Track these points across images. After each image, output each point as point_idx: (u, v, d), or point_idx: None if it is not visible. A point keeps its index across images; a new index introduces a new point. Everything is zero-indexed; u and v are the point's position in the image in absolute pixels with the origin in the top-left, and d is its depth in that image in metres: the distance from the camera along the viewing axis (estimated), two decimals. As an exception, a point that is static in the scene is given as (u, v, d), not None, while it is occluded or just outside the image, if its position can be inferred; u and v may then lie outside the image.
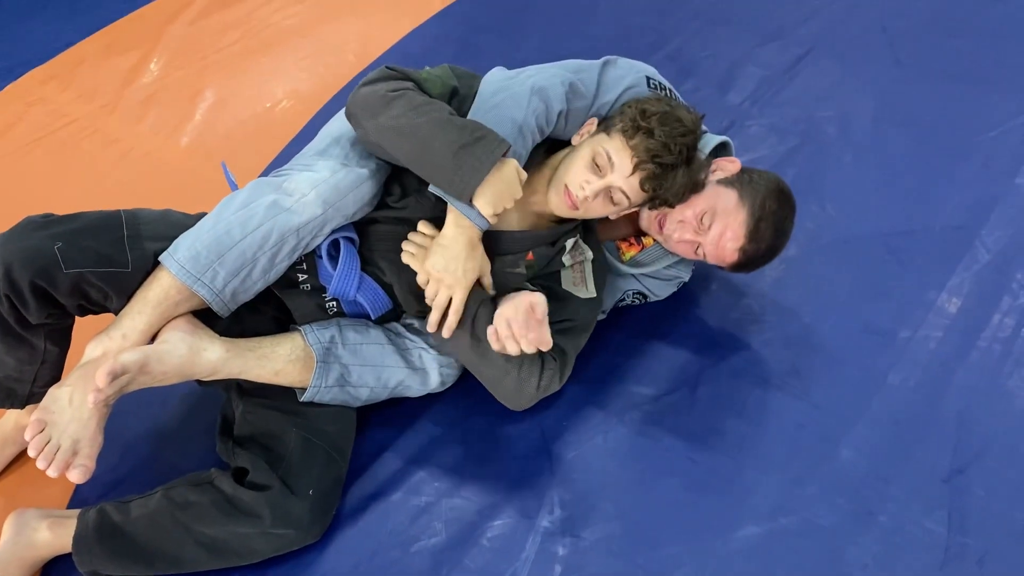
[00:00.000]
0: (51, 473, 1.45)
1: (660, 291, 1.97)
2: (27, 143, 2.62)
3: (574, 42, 2.92)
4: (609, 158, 1.62)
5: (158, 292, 1.55)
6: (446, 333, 1.63)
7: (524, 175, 1.61)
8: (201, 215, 1.67)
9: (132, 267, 1.54)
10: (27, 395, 1.66)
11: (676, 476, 1.70)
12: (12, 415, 1.73)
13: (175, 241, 1.56)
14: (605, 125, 1.69)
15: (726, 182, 1.77)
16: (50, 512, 1.59)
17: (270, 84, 2.87)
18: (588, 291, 1.78)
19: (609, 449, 1.75)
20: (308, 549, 1.59)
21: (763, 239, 1.76)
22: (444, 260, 1.60)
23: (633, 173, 1.61)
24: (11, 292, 1.46)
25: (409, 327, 1.78)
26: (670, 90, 1.82)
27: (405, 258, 1.65)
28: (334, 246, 1.67)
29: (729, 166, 1.81)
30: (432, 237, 1.65)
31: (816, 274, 2.12)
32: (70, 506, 1.69)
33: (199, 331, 1.58)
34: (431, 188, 1.61)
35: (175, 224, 1.62)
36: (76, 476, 1.46)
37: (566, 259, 1.77)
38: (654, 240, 1.91)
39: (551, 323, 1.55)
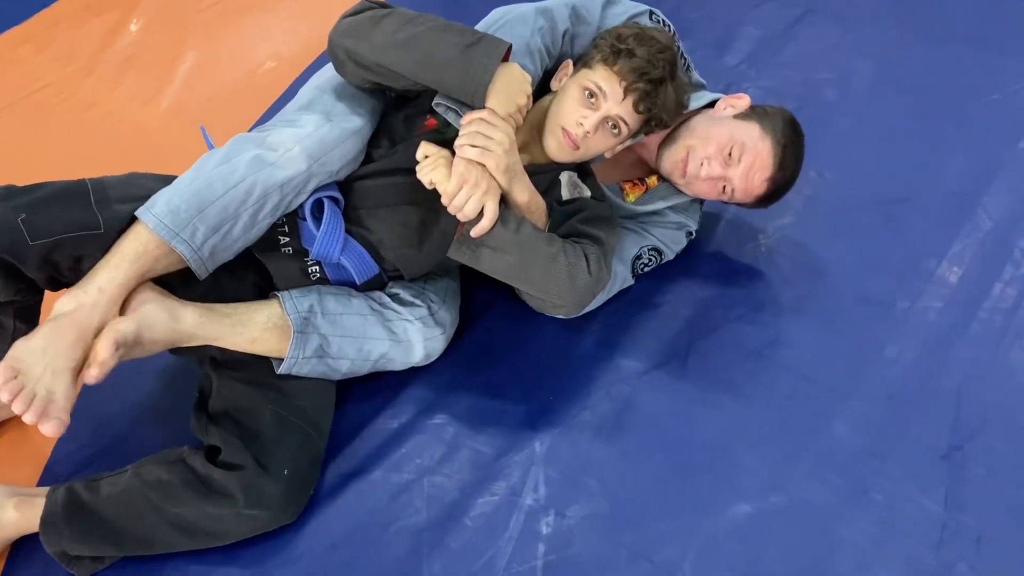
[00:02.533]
0: (28, 418, 1.35)
1: (671, 243, 1.92)
2: (1, 107, 2.54)
3: (565, 2, 2.82)
4: (599, 87, 1.59)
5: (136, 247, 1.46)
6: (476, 233, 1.56)
7: (530, 78, 1.58)
8: (171, 177, 1.60)
9: (104, 227, 1.47)
10: None
11: (663, 452, 1.65)
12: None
13: (152, 196, 1.49)
14: (583, 61, 1.66)
15: (742, 116, 1.79)
16: (18, 490, 1.54)
17: (252, 46, 2.78)
18: (585, 192, 1.75)
19: (595, 425, 1.69)
20: (284, 528, 1.54)
21: (788, 166, 1.78)
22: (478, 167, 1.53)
23: (626, 96, 1.58)
24: None
25: (395, 297, 1.71)
26: (671, 27, 1.84)
27: (423, 174, 1.54)
28: (318, 206, 1.60)
29: (738, 102, 1.82)
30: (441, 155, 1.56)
31: (811, 241, 2.05)
32: (40, 484, 1.64)
33: (168, 297, 1.52)
34: (437, 100, 1.58)
35: (143, 186, 1.55)
36: (50, 428, 1.36)
37: (564, 192, 1.72)
38: (659, 180, 1.90)
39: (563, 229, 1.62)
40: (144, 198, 1.51)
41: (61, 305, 1.44)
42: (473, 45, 1.52)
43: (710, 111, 1.85)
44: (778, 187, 1.81)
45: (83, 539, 1.48)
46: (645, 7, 1.84)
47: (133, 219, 1.48)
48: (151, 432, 1.71)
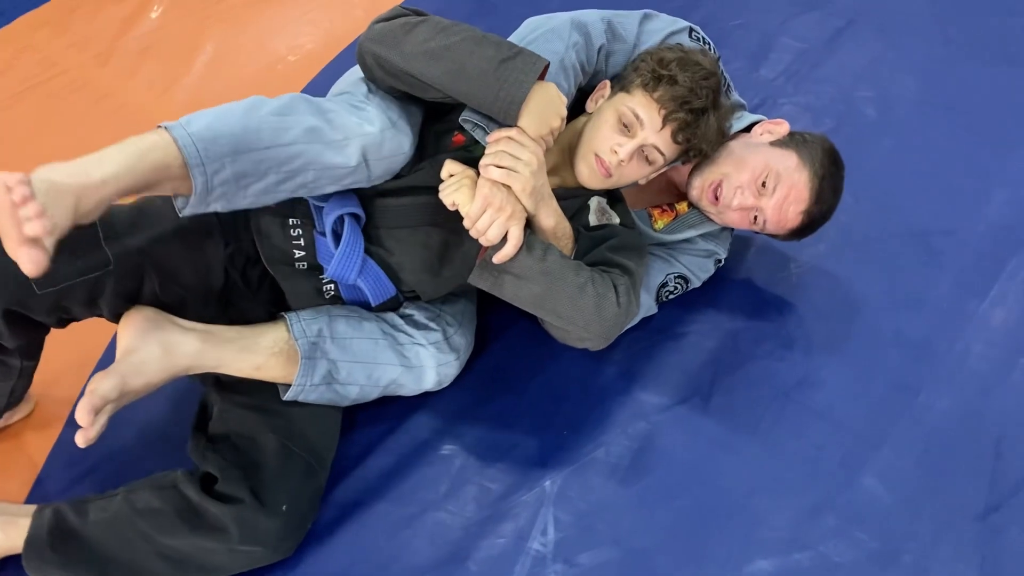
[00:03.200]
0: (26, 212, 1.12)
1: (699, 271, 1.83)
2: (14, 93, 2.48)
3: (597, 5, 2.71)
4: (636, 115, 1.51)
5: (157, 157, 1.27)
6: (499, 260, 1.47)
7: (565, 101, 1.48)
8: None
9: (115, 264, 1.40)
10: (2, 408, 1.58)
11: (681, 499, 1.56)
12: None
13: (190, 115, 1.34)
14: (621, 84, 1.57)
15: (779, 144, 1.70)
16: (3, 507, 1.48)
17: (274, 38, 2.70)
18: (614, 218, 1.66)
19: (610, 464, 1.61)
20: (278, 564, 1.47)
21: (825, 200, 1.69)
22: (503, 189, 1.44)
23: (664, 126, 1.50)
24: None
25: (408, 319, 1.63)
26: (712, 46, 1.75)
27: (446, 194, 1.46)
28: (339, 223, 1.51)
29: (777, 128, 1.73)
30: (466, 175, 1.48)
31: (846, 273, 1.96)
32: (29, 499, 1.58)
33: (166, 324, 1.44)
34: (464, 116, 1.47)
35: (152, 215, 1.47)
36: (38, 227, 1.13)
37: (592, 218, 1.63)
38: (689, 207, 1.81)
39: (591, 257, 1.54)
40: (155, 225, 1.44)
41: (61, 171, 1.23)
42: (509, 60, 1.42)
43: (746, 136, 1.75)
44: (813, 220, 1.71)
45: (67, 566, 1.42)
46: (685, 24, 1.74)
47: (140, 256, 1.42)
48: (147, 450, 1.65)
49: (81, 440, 1.32)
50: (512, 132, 1.44)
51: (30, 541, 1.42)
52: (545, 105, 1.45)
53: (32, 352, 1.50)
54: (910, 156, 2.23)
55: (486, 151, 1.46)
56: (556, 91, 1.47)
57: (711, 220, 1.79)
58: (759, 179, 1.66)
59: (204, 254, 1.49)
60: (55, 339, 1.55)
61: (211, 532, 1.41)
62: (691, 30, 1.74)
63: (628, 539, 1.51)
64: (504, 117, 1.44)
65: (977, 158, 2.19)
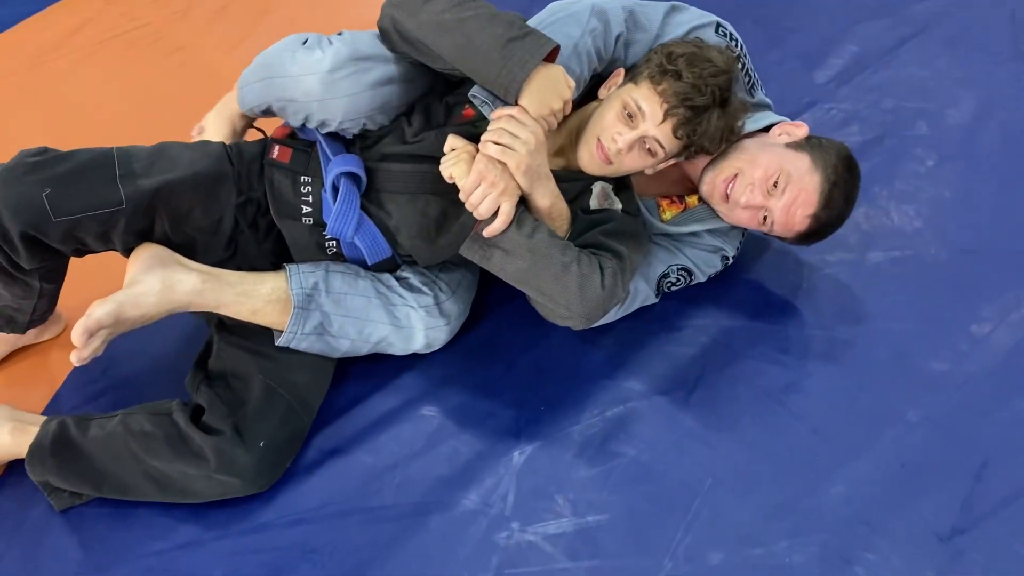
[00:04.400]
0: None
1: (704, 265, 1.84)
2: (96, 42, 2.66)
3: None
4: (639, 107, 1.53)
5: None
6: (489, 234, 1.53)
7: (572, 83, 1.52)
8: (202, 144, 1.64)
9: (127, 203, 1.50)
10: (26, 323, 1.70)
11: (645, 484, 1.59)
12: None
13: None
14: (632, 74, 1.60)
15: (794, 146, 1.69)
16: (18, 415, 1.62)
17: (343, 8, 2.80)
18: (616, 204, 1.69)
19: (580, 443, 1.65)
20: (254, 496, 1.57)
21: (835, 206, 1.68)
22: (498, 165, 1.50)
23: (664, 120, 1.52)
24: (1, 240, 1.46)
25: (403, 281, 1.71)
26: (740, 44, 1.74)
27: (445, 167, 1.53)
28: (339, 181, 1.61)
29: (796, 130, 1.72)
30: (466, 149, 1.54)
31: (858, 284, 1.93)
32: (45, 411, 1.72)
33: (171, 262, 1.55)
34: (473, 92, 1.54)
35: (171, 159, 1.58)
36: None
37: (593, 202, 1.67)
38: (699, 201, 1.82)
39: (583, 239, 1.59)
40: (171, 170, 1.54)
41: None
42: (516, 40, 1.47)
43: (763, 135, 1.75)
44: (821, 226, 1.70)
45: (64, 474, 1.55)
46: (713, 19, 1.74)
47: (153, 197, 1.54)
48: (155, 378, 1.77)
49: (75, 358, 1.44)
50: (514, 111, 1.49)
51: (34, 447, 1.56)
52: (548, 86, 1.49)
53: (51, 277, 1.61)
54: (952, 173, 2.17)
55: (488, 128, 1.51)
56: (562, 73, 1.51)
57: (719, 217, 1.80)
58: (770, 179, 1.66)
59: (217, 200, 1.59)
60: (87, 270, 1.70)
61: (192, 459, 1.52)
62: (718, 25, 1.74)
63: (584, 514, 1.55)
64: (505, 95, 1.49)
65: (1016, 183, 2.12)
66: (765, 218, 1.69)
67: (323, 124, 1.62)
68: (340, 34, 1.65)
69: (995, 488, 1.58)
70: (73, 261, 1.64)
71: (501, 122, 1.49)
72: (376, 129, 1.65)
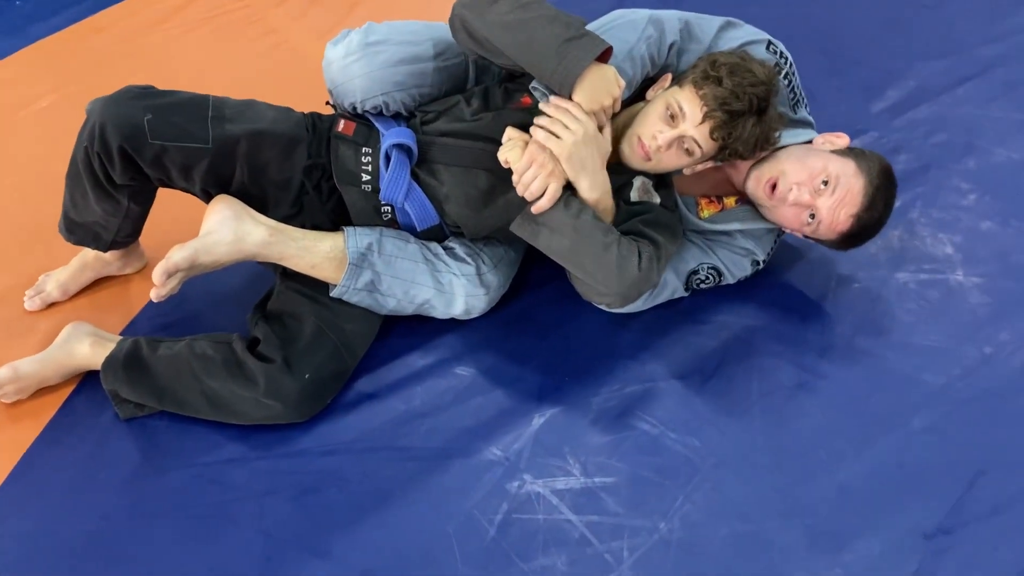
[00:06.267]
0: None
1: (734, 268, 1.93)
2: (200, 19, 2.88)
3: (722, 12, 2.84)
4: (680, 108, 1.65)
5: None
6: (536, 211, 1.67)
7: (623, 83, 1.65)
8: (286, 109, 1.82)
9: (212, 144, 1.70)
10: (109, 242, 1.89)
11: (651, 455, 1.71)
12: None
13: None
14: (678, 79, 1.72)
15: (839, 152, 1.79)
16: (98, 332, 1.81)
17: (433, 3, 2.96)
18: (655, 198, 1.81)
19: (597, 411, 1.77)
20: (295, 425, 1.74)
21: (876, 209, 1.77)
22: (547, 151, 1.64)
23: (703, 122, 1.63)
24: (102, 151, 1.66)
25: (449, 251, 1.86)
26: (790, 63, 1.85)
27: (501, 154, 1.67)
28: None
29: (838, 140, 1.82)
30: (521, 138, 1.68)
31: (885, 299, 2.01)
32: (122, 334, 1.91)
33: (244, 215, 1.72)
34: (535, 84, 1.68)
35: (258, 112, 1.77)
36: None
37: (633, 194, 1.79)
38: (737, 202, 1.93)
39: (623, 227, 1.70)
40: (256, 122, 1.73)
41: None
42: (573, 40, 1.60)
43: (807, 145, 1.86)
44: (863, 228, 1.78)
45: (132, 385, 1.73)
46: (765, 37, 1.85)
47: (235, 141, 1.72)
48: (221, 315, 1.95)
49: (154, 295, 1.64)
50: (569, 104, 1.63)
51: (108, 360, 1.75)
52: (599, 84, 1.62)
53: (138, 199, 1.79)
54: (990, 210, 2.22)
55: (538, 116, 1.66)
56: (613, 74, 1.64)
57: (758, 217, 1.89)
58: (817, 178, 1.75)
59: (291, 159, 1.77)
60: (169, 217, 1.91)
61: (245, 382, 1.69)
62: (769, 43, 1.85)
63: (592, 475, 1.67)
64: (560, 89, 1.63)
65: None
66: (812, 217, 1.78)
67: (353, 105, 1.83)
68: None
69: (987, 496, 1.65)
70: (156, 211, 1.86)
71: (554, 110, 1.63)
72: (414, 106, 1.85)
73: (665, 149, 1.67)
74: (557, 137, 1.62)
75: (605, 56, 1.63)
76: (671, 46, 1.80)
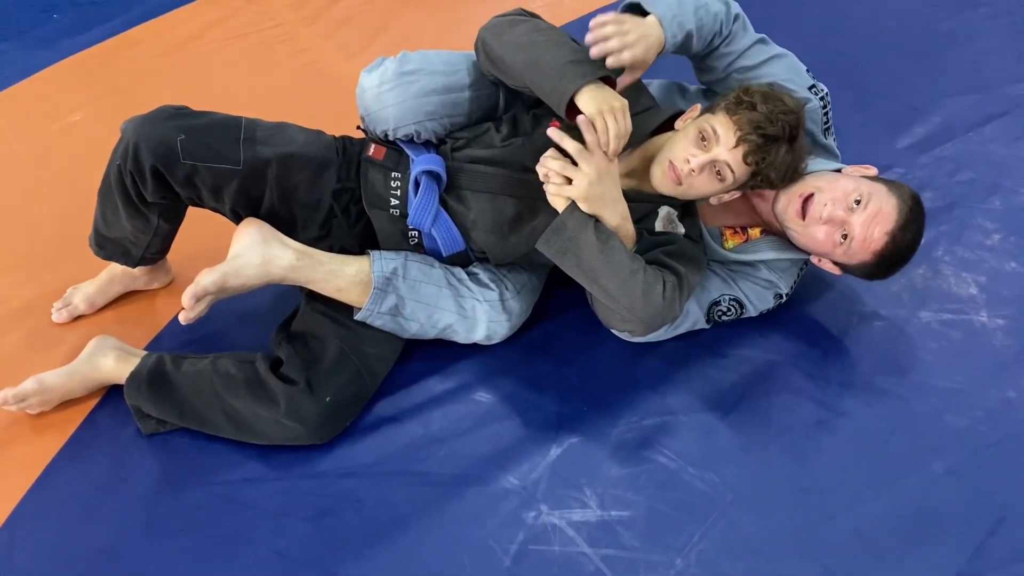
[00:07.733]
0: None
1: (756, 300, 1.93)
2: (232, 36, 2.92)
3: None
4: (714, 131, 1.66)
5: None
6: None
7: (625, 102, 1.63)
8: (317, 132, 1.84)
9: (243, 165, 1.72)
10: (138, 258, 1.91)
11: (667, 490, 1.71)
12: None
13: None
14: (710, 107, 1.73)
15: (868, 178, 1.80)
16: (123, 346, 1.84)
17: (453, 32, 3.00)
18: (679, 229, 1.82)
19: (615, 444, 1.78)
20: (315, 447, 1.75)
21: (911, 230, 1.76)
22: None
23: (737, 145, 1.64)
24: (135, 169, 1.69)
25: (473, 276, 1.87)
26: (825, 92, 1.91)
27: (542, 169, 1.66)
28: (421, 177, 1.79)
29: (865, 170, 1.84)
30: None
31: (903, 339, 2.01)
32: (146, 349, 1.93)
33: (272, 240, 1.74)
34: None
35: (289, 135, 1.79)
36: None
37: (657, 224, 1.80)
38: (762, 234, 1.93)
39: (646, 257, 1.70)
40: (287, 145, 1.75)
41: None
42: (576, 63, 1.63)
43: (836, 172, 1.85)
44: (897, 248, 1.76)
45: (155, 401, 1.75)
46: (799, 62, 1.92)
47: (265, 163, 1.75)
48: (245, 333, 1.96)
49: (183, 318, 1.67)
50: (571, 144, 1.61)
51: (133, 375, 1.77)
52: (601, 96, 1.62)
53: (168, 217, 1.82)
54: (1015, 250, 2.22)
55: (549, 160, 1.64)
56: (611, 92, 1.64)
57: (784, 248, 1.89)
58: (851, 195, 1.74)
59: (320, 182, 1.79)
60: (197, 239, 1.94)
61: (266, 402, 1.71)
62: (805, 69, 1.92)
63: (608, 508, 1.67)
64: (556, 103, 1.65)
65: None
66: (844, 237, 1.76)
67: (385, 132, 1.83)
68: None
69: (1008, 544, 1.64)
70: (184, 233, 1.89)
71: (571, 150, 1.62)
72: (444, 134, 1.85)
73: (697, 173, 1.67)
74: (567, 185, 1.63)
75: (612, 84, 1.65)
76: (736, 17, 1.85)
